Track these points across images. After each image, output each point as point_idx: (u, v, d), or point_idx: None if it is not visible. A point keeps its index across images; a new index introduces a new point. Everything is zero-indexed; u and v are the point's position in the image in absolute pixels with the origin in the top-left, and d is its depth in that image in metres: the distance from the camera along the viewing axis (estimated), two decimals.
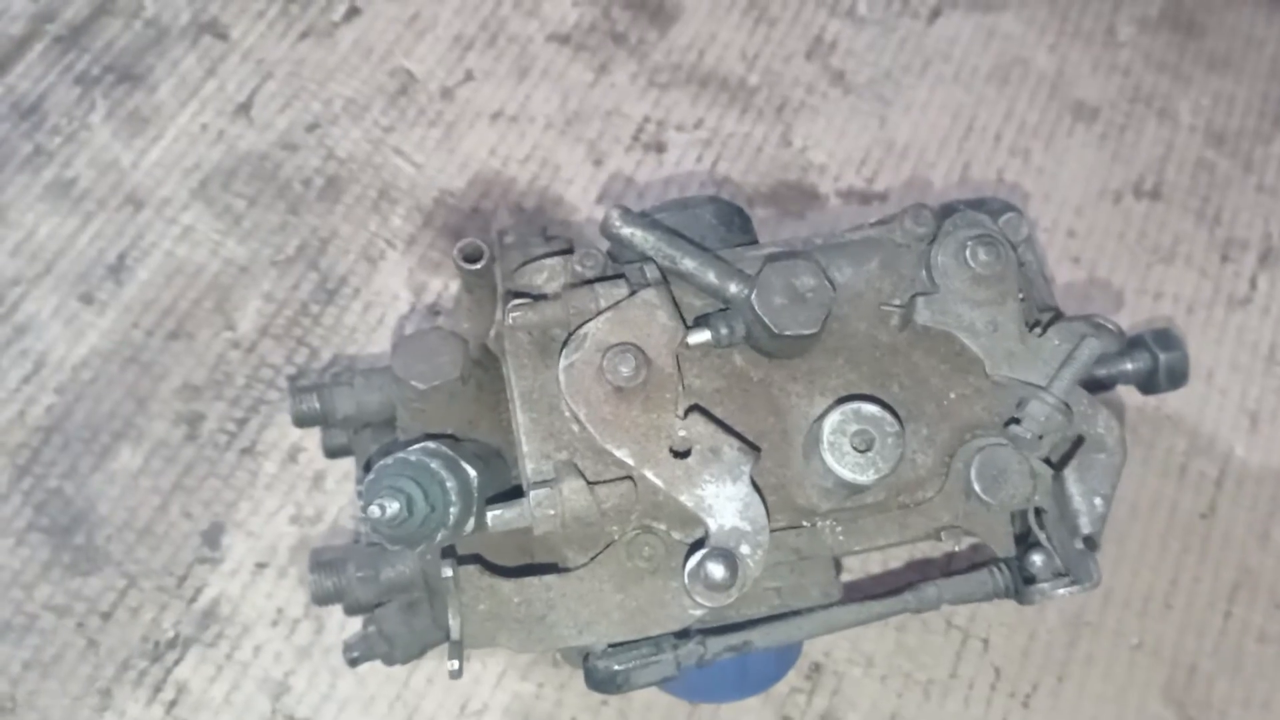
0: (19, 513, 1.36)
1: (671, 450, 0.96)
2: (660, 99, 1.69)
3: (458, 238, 1.54)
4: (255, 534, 1.37)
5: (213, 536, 1.37)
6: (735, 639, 1.04)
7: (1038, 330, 1.05)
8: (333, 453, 1.27)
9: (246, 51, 1.64)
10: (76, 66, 1.61)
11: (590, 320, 0.99)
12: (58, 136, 1.56)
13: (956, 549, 1.04)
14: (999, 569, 1.09)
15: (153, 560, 1.35)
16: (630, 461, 0.95)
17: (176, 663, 1.31)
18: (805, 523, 1.03)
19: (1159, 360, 1.17)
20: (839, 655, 1.37)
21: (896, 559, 1.41)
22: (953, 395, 1.05)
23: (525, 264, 1.10)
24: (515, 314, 1.02)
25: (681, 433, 0.96)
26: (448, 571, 0.97)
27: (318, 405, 1.17)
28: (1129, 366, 1.17)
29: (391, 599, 1.14)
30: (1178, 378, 1.18)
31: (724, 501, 0.95)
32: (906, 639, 1.38)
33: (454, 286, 1.52)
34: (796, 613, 1.06)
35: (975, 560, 1.13)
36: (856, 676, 1.37)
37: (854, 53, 1.77)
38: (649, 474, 0.95)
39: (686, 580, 0.93)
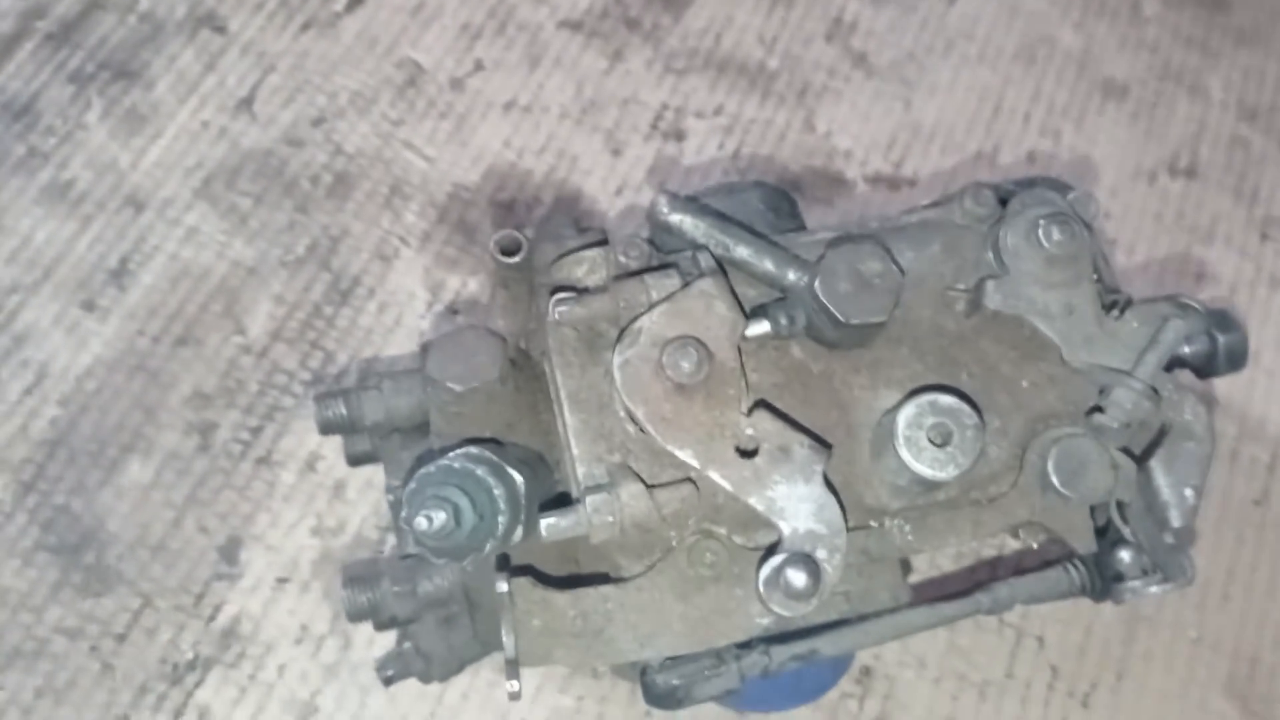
0: (25, 531, 1.29)
1: (737, 449, 0.90)
2: (678, 85, 1.63)
3: (474, 233, 1.49)
4: (275, 547, 1.31)
5: (230, 551, 1.30)
6: (801, 647, 0.98)
7: (1115, 313, 0.99)
8: (355, 460, 1.21)
9: (246, 45, 1.58)
10: (69, 64, 1.53)
11: (644, 313, 0.93)
12: (53, 137, 1.49)
13: (1035, 546, 0.98)
14: (1073, 566, 1.04)
15: (168, 578, 1.28)
16: (694, 463, 0.89)
17: (197, 685, 1.24)
18: (873, 523, 0.97)
19: (1218, 342, 1.11)
20: (889, 658, 1.31)
21: (948, 559, 1.35)
22: (1025, 384, 0.99)
23: (562, 256, 1.03)
24: (561, 309, 0.95)
25: (749, 431, 0.90)
26: (503, 586, 0.91)
27: (344, 411, 1.11)
28: (1186, 350, 1.11)
29: (428, 614, 1.08)
30: (1237, 360, 1.12)
31: (796, 503, 0.89)
32: (959, 639, 1.33)
33: (473, 284, 1.46)
34: (863, 617, 1.00)
35: (1046, 558, 1.07)
36: (909, 679, 1.31)
37: (875, 34, 1.71)
38: (715, 476, 0.89)
39: (762, 588, 0.87)
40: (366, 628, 1.18)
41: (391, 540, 1.31)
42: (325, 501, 1.33)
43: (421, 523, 0.88)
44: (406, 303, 1.44)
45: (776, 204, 1.10)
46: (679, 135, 1.59)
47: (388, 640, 1.25)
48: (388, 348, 1.41)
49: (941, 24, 1.73)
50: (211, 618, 1.27)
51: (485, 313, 1.43)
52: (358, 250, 1.46)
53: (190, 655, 1.26)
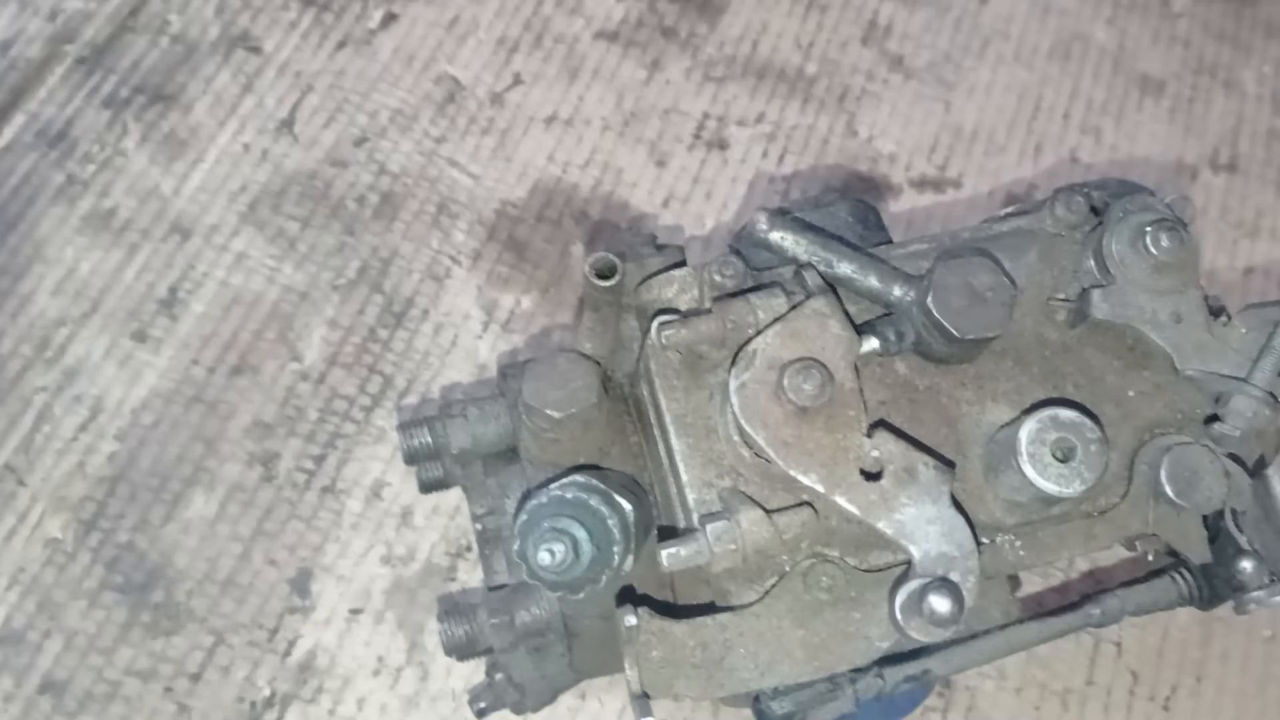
0: (89, 572, 1.26)
1: (862, 472, 0.88)
2: (718, 94, 1.61)
3: (524, 250, 1.47)
4: (346, 578, 1.29)
5: (301, 584, 1.28)
6: (914, 668, 0.97)
7: (1222, 319, 0.98)
8: (428, 487, 1.18)
9: (282, 65, 1.55)
10: (103, 89, 1.50)
11: (755, 335, 0.91)
12: (91, 164, 1.46)
13: (1150, 557, 0.97)
14: (1180, 575, 1.03)
15: (240, 613, 1.26)
16: (819, 488, 0.87)
17: None
18: (985, 539, 0.96)
19: None
20: (969, 669, 1.30)
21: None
22: (1131, 393, 0.98)
23: (650, 277, 1.02)
24: (667, 332, 0.93)
25: (873, 453, 0.88)
26: (631, 620, 0.89)
27: (429, 440, 1.09)
28: None
29: (521, 643, 1.06)
30: None
31: (925, 525, 0.87)
32: (1037, 647, 1.31)
33: (526, 303, 1.44)
34: (973, 635, 0.99)
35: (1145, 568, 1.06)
36: (990, 690, 1.30)
37: (910, 35, 1.70)
38: (841, 500, 0.87)
39: (900, 615, 0.85)
40: (444, 657, 1.16)
41: (463, 566, 1.29)
42: (393, 529, 1.31)
43: (544, 558, 0.86)
44: (462, 323, 1.42)
45: (864, 216, 1.09)
46: (722, 144, 1.58)
47: (466, 670, 1.24)
48: (446, 369, 1.39)
49: (976, 24, 1.72)
50: (287, 653, 1.25)
51: (545, 334, 1.42)
52: (409, 271, 1.44)
53: (267, 692, 1.23)
